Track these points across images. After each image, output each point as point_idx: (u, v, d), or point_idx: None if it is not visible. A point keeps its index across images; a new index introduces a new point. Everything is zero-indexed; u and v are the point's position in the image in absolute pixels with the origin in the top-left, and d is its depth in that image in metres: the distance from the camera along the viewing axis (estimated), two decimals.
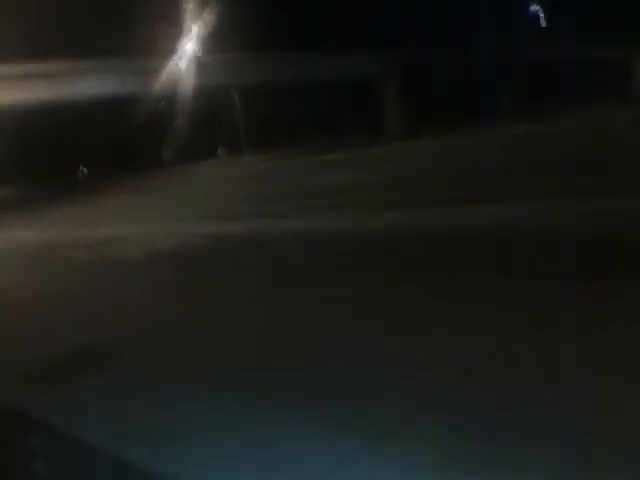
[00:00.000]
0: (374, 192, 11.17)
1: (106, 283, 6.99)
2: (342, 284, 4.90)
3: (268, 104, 43.16)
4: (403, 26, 37.24)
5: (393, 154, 21.78)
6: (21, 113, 36.44)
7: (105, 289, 6.66)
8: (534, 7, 43.87)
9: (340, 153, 27.24)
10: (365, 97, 44.10)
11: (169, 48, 34.29)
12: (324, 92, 43.48)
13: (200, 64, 34.78)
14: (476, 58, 40.80)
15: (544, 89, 37.82)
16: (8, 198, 41.18)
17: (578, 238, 5.07)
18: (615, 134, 14.84)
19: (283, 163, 28.78)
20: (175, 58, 34.74)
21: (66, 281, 7.55)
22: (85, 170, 54.54)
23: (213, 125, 44.28)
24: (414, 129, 33.49)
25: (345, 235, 7.49)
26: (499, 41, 39.48)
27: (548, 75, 39.67)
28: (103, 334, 4.69)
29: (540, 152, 12.96)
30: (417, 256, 5.53)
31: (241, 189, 19.62)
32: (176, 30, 33.97)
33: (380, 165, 17.87)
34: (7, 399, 3.61)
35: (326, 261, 6.09)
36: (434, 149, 20.38)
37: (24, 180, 48.40)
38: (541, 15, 44.25)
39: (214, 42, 34.08)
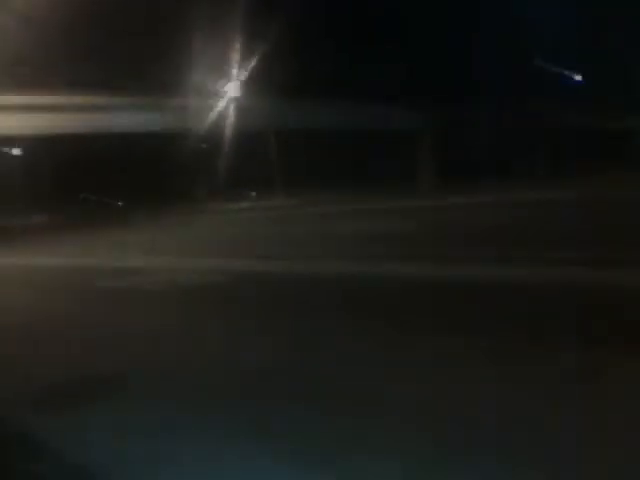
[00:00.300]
0: (392, 243, 11.21)
1: (126, 312, 6.97)
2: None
3: (304, 150, 43.79)
4: (442, 83, 37.71)
5: (420, 209, 21.77)
6: (63, 143, 37.46)
7: (123, 317, 6.63)
8: (576, 77, 44.06)
9: (370, 203, 27.30)
10: (399, 150, 44.45)
11: (214, 90, 35.24)
12: (359, 142, 43.99)
13: (241, 106, 35.58)
14: (511, 121, 41.01)
15: (578, 155, 37.73)
16: (42, 225, 42.02)
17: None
18: None
19: (313, 209, 28.92)
20: (219, 100, 35.66)
21: (89, 308, 7.54)
22: (118, 202, 55.55)
23: (248, 167, 44.94)
24: (445, 186, 33.49)
25: (350, 280, 7.76)
26: (536, 105, 39.69)
27: (580, 141, 39.60)
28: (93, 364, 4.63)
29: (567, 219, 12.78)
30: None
31: (267, 231, 19.82)
32: (220, 71, 34.94)
33: (403, 219, 17.88)
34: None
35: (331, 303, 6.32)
36: (461, 208, 20.31)
37: (60, 209, 49.38)
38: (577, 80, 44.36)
39: (256, 85, 34.92)
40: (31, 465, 2.96)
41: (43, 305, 8.17)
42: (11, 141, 39.96)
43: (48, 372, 4.54)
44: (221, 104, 35.86)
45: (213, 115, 35.57)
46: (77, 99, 31.76)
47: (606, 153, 35.89)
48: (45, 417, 3.56)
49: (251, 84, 35.53)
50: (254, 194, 48.44)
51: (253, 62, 34.09)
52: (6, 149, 43.56)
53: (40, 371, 4.60)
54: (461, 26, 38.79)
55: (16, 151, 43.84)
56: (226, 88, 36.06)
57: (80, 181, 48.65)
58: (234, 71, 35.29)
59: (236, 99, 36.11)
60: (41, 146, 38.59)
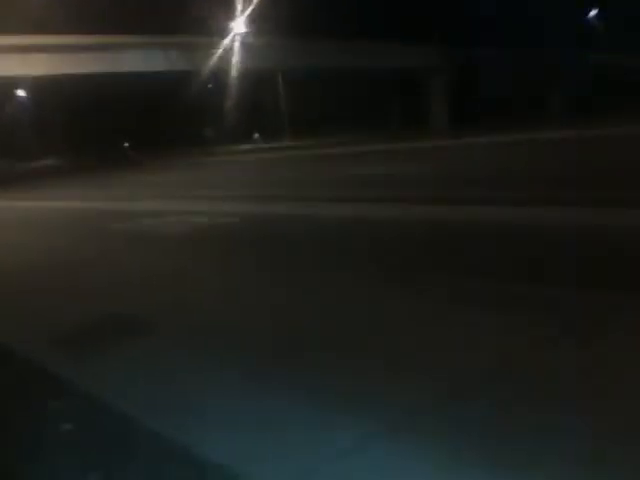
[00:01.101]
0: (401, 186, 11.10)
1: (135, 255, 7.05)
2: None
3: (313, 90, 43.13)
4: (458, 21, 36.65)
5: (432, 150, 21.49)
6: (69, 85, 37.05)
7: (132, 260, 6.70)
8: (592, 11, 42.65)
9: (379, 145, 27.01)
10: (413, 90, 43.68)
11: (219, 28, 34.44)
12: (371, 81, 43.25)
13: (248, 45, 34.86)
14: (528, 59, 40.04)
15: (597, 93, 36.89)
16: (52, 168, 42.15)
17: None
18: None
19: (320, 151, 28.71)
20: (224, 38, 34.91)
21: (104, 250, 7.63)
22: (129, 144, 55.44)
23: (255, 107, 44.42)
24: (459, 126, 33.02)
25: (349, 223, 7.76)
26: (553, 43, 38.65)
27: (602, 79, 38.66)
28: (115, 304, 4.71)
29: (579, 159, 12.61)
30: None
31: (276, 173, 19.81)
32: (227, 10, 34.09)
33: (415, 160, 17.68)
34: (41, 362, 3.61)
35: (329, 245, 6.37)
36: (476, 148, 20.01)
37: (70, 151, 49.39)
38: (596, 19, 43.03)
39: (263, 24, 34.10)
40: (56, 402, 3.00)
41: (59, 247, 8.26)
42: (18, 84, 39.59)
43: (68, 313, 4.63)
44: (227, 43, 35.14)
45: (219, 54, 34.91)
46: (80, 39, 31.26)
47: (626, 90, 35.02)
48: (67, 357, 3.63)
49: (259, 22, 34.69)
50: (257, 136, 48.12)
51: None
52: (17, 91, 43.29)
53: (60, 312, 4.69)
54: None
55: (26, 93, 43.55)
56: (233, 26, 35.24)
57: (91, 124, 48.47)
58: (241, 8, 34.43)
59: (243, 37, 35.33)
60: (51, 88, 38.21)
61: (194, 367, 3.20)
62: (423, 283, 4.38)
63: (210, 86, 39.68)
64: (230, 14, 34.69)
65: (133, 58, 33.16)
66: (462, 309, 3.66)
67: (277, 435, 2.41)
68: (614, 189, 7.55)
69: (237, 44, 35.21)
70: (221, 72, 35.78)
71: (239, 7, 34.33)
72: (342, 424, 2.41)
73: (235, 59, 35.13)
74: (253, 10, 34.24)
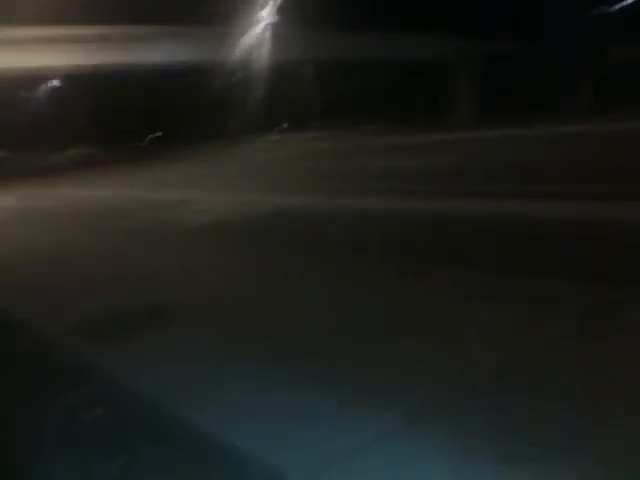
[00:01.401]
0: (424, 179, 11.22)
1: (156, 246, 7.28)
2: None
3: (341, 82, 43.12)
4: (485, 14, 36.28)
5: (457, 143, 21.43)
6: (99, 76, 37.53)
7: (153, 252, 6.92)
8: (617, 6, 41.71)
9: (404, 137, 26.97)
10: (439, 83, 43.42)
11: (247, 18, 34.55)
12: (398, 73, 43.08)
13: (276, 36, 34.94)
14: (555, 54, 39.52)
15: (623, 90, 36.29)
16: (77, 157, 42.82)
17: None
18: None
19: (347, 143, 28.73)
20: (252, 29, 35.01)
21: (137, 240, 7.90)
22: (153, 135, 55.89)
23: (283, 99, 44.50)
24: (485, 119, 32.79)
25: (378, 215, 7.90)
26: (580, 39, 38.15)
27: (628, 76, 37.97)
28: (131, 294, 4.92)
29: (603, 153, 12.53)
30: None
31: (292, 166, 19.93)
32: (254, 1, 34.20)
33: (440, 154, 17.68)
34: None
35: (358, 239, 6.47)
36: (501, 141, 19.92)
37: (96, 142, 50.03)
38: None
39: (291, 15, 34.15)
40: (78, 388, 3.12)
41: (92, 236, 8.57)
42: (47, 75, 40.23)
43: (101, 301, 4.85)
44: (256, 33, 35.21)
45: (248, 44, 35.03)
46: (108, 30, 31.62)
47: None
48: (94, 345, 3.83)
49: (287, 12, 34.73)
50: (285, 125, 48.12)
51: None
52: (49, 82, 44.08)
53: (90, 301, 4.91)
54: None
55: (52, 85, 44.30)
56: (262, 15, 35.28)
57: (117, 115, 49.01)
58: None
59: (272, 28, 35.37)
60: (81, 79, 38.75)
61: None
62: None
63: (237, 77, 39.88)
64: (258, 5, 34.82)
65: (161, 49, 33.46)
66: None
67: None
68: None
69: (266, 34, 35.31)
70: (249, 63, 35.95)
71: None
72: None
73: (264, 50, 35.25)
74: (280, 1, 34.34)
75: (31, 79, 39.17)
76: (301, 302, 4.31)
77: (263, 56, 35.38)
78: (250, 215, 9.10)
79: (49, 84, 45.01)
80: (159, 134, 55.14)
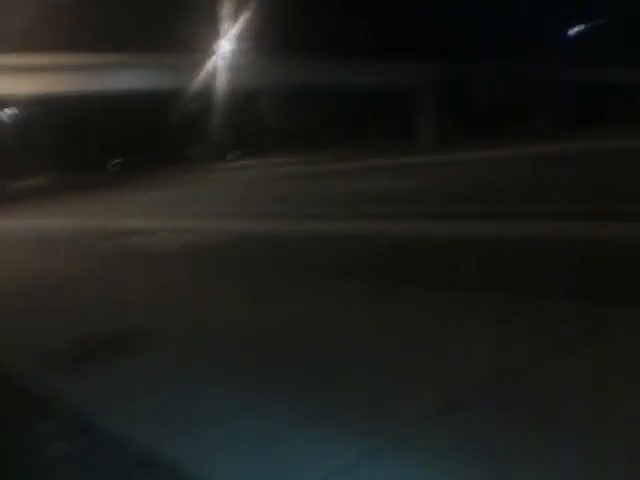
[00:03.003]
0: (382, 202, 11.26)
1: (124, 273, 7.06)
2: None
3: (298, 108, 43.45)
4: (442, 38, 37.14)
5: (418, 166, 21.70)
6: (57, 104, 37.13)
7: (122, 278, 6.72)
8: (577, 29, 43.30)
9: (364, 162, 27.18)
10: (399, 107, 44.08)
11: (205, 47, 34.71)
12: (357, 99, 43.63)
13: (236, 64, 35.13)
14: (513, 76, 40.60)
15: (581, 110, 37.47)
16: (40, 187, 42.06)
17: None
18: None
19: (305, 168, 28.88)
20: (211, 57, 35.17)
21: (89, 269, 7.63)
22: (114, 162, 55.43)
23: (241, 125, 44.63)
24: (445, 143, 33.32)
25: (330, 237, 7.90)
26: (538, 60, 39.29)
27: (586, 96, 39.27)
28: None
29: (564, 172, 12.84)
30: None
31: (256, 191, 19.92)
32: (213, 30, 34.38)
33: (399, 176, 17.86)
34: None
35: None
36: (461, 164, 20.23)
37: (56, 170, 49.27)
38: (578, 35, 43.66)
39: (250, 44, 34.43)
40: (43, 422, 2.98)
41: (47, 267, 8.26)
42: (6, 103, 39.60)
43: (60, 332, 4.62)
44: (214, 62, 35.41)
45: (206, 73, 35.16)
46: (70, 59, 31.40)
47: (609, 106, 35.59)
48: (58, 374, 3.63)
49: (245, 40, 35.01)
50: (239, 152, 48.33)
51: (246, 19, 33.53)
52: (5, 110, 43.36)
53: (53, 331, 4.69)
54: None
55: (11, 112, 43.62)
56: (220, 44, 35.53)
57: (77, 143, 48.46)
58: (227, 27, 34.72)
59: (232, 55, 35.60)
60: (37, 108, 38.32)
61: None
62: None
63: (197, 104, 39.94)
64: (217, 34, 35.00)
65: (121, 77, 33.33)
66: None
67: None
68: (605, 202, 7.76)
69: (223, 63, 35.47)
70: (208, 90, 36.03)
71: (226, 27, 34.65)
72: None
73: (221, 77, 35.39)
74: (239, 29, 34.56)
75: None
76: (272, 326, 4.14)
77: (223, 83, 35.55)
78: (213, 242, 8.91)
79: (8, 112, 44.30)
80: (119, 161, 54.71)
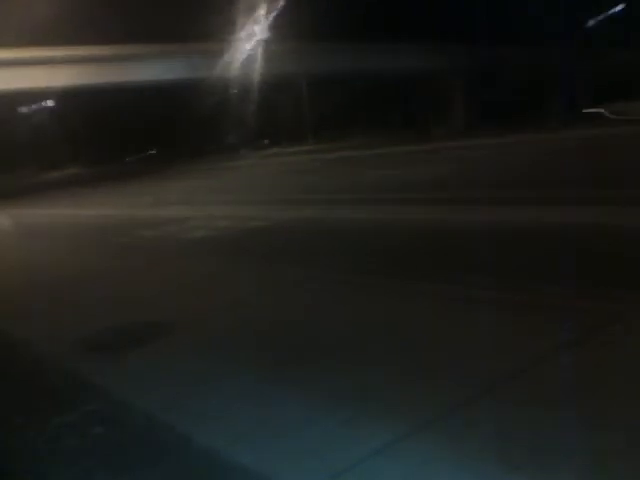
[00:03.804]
0: (413, 189, 11.24)
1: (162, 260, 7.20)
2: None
3: (334, 95, 43.34)
4: (472, 23, 36.60)
5: (449, 152, 21.49)
6: (92, 95, 37.66)
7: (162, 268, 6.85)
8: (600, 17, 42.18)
9: (398, 147, 27.04)
10: (430, 92, 43.66)
11: (236, 35, 34.79)
12: (390, 84, 43.34)
13: (268, 51, 35.14)
14: (544, 62, 39.84)
15: (612, 95, 36.62)
16: (76, 176, 42.81)
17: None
18: None
19: (344, 154, 28.78)
20: (244, 45, 35.22)
21: (129, 257, 7.81)
22: (148, 153, 56.08)
23: (276, 113, 44.72)
24: (477, 128, 32.97)
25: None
26: (567, 46, 38.53)
27: (616, 81, 38.29)
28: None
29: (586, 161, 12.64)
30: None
31: (295, 178, 19.94)
32: (248, 16, 34.43)
33: (433, 163, 17.77)
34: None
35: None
36: (492, 150, 20.00)
37: (91, 160, 50.07)
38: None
39: (283, 30, 34.37)
40: (82, 407, 3.04)
41: (87, 256, 8.47)
42: (43, 95, 40.35)
43: (98, 318, 4.77)
44: (249, 49, 35.43)
45: (242, 60, 35.22)
46: (102, 50, 31.82)
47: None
48: (95, 361, 3.75)
49: (279, 27, 34.95)
50: (267, 142, 48.33)
51: (280, 5, 33.51)
52: (44, 102, 44.20)
53: (90, 317, 4.84)
54: None
55: (53, 104, 44.46)
56: (254, 31, 35.51)
57: (111, 134, 49.17)
58: (262, 13, 34.72)
59: (264, 43, 35.59)
60: (75, 99, 38.94)
61: None
62: None
63: (233, 92, 40.09)
64: (251, 20, 35.05)
65: (155, 67, 33.63)
66: None
67: None
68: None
69: (259, 49, 35.51)
70: (243, 78, 36.11)
71: (260, 12, 34.68)
72: None
73: (257, 65, 35.44)
74: (274, 15, 34.56)
75: (28, 99, 39.29)
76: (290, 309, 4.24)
77: (256, 71, 35.58)
78: (251, 229, 9.03)
79: (45, 104, 45.16)
80: (154, 151, 55.32)
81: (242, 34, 35.22)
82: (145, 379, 3.38)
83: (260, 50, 35.34)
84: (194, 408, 2.91)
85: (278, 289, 5.07)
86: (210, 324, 4.22)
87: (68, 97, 38.33)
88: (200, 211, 12.47)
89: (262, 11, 34.55)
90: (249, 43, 35.45)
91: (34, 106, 45.45)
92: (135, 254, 8.04)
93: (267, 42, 35.44)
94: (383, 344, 3.40)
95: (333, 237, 7.38)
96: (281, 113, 45.36)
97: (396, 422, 2.47)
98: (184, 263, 6.95)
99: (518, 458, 2.13)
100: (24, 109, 46.14)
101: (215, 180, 25.44)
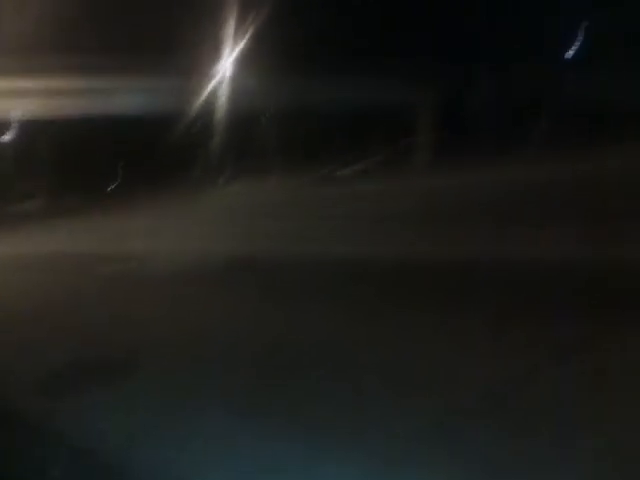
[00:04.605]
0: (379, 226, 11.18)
1: (123, 297, 7.07)
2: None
3: (298, 128, 43.72)
4: (439, 55, 37.50)
5: (413, 185, 21.63)
6: (54, 127, 37.31)
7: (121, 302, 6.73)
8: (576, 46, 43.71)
9: (361, 182, 27.19)
10: (397, 124, 44.37)
11: (204, 69, 34.96)
12: (356, 117, 43.93)
13: (234, 86, 35.36)
14: (509, 92, 40.96)
15: (578, 128, 37.80)
16: (36, 210, 42.05)
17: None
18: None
19: (305, 189, 28.87)
20: (210, 79, 35.39)
21: (86, 293, 7.65)
22: (113, 185, 55.57)
23: (241, 146, 44.88)
24: (444, 158, 33.53)
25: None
26: (533, 75, 39.69)
27: (583, 114, 39.60)
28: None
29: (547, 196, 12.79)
30: None
31: (260, 213, 19.79)
32: (212, 52, 34.67)
33: (397, 198, 17.90)
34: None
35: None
36: (455, 185, 20.17)
37: (54, 193, 49.35)
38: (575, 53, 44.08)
39: (249, 65, 34.67)
40: (35, 448, 2.99)
41: (42, 292, 8.26)
42: (3, 126, 39.74)
43: (55, 356, 4.64)
44: (213, 84, 35.64)
45: (205, 96, 35.38)
46: (67, 82, 31.59)
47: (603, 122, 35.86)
48: (51, 400, 3.64)
49: (245, 63, 35.30)
50: (231, 175, 48.17)
51: (246, 41, 33.86)
52: (9, 132, 43.43)
53: (46, 356, 4.71)
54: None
55: (8, 137, 43.73)
56: (220, 67, 35.80)
57: (75, 165, 48.66)
58: (228, 49, 35.00)
59: (230, 78, 35.86)
60: (33, 132, 38.47)
61: None
62: None
63: (197, 127, 40.13)
64: (217, 56, 35.31)
65: (118, 101, 33.49)
66: None
67: None
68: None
69: (223, 85, 35.72)
70: (209, 113, 36.21)
71: (227, 49, 34.96)
72: None
73: (221, 100, 35.60)
74: (241, 52, 34.88)
75: None
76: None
77: (222, 106, 35.68)
78: (216, 266, 8.93)
79: (7, 135, 44.40)
80: (117, 184, 54.86)
81: (210, 70, 35.41)
82: None
83: (225, 85, 35.55)
84: None
85: None
86: None
87: (34, 129, 37.81)
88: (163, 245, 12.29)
89: (229, 47, 34.86)
90: (216, 78, 35.67)
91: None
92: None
93: (232, 78, 35.69)
94: None
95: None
96: (247, 146, 45.60)
97: None
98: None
99: None
100: None
101: (177, 215, 25.13)
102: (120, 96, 32.53)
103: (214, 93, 34.71)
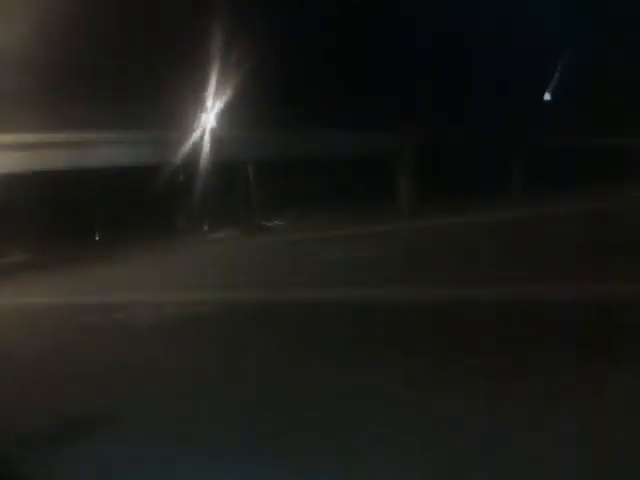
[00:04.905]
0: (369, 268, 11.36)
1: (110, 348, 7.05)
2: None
3: (281, 180, 44.11)
4: (418, 105, 38.43)
5: (399, 233, 21.96)
6: (38, 181, 37.36)
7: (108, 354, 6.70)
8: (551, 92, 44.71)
9: (351, 229, 27.49)
10: (378, 175, 44.87)
11: (187, 122, 35.39)
12: (338, 169, 44.40)
13: (216, 138, 35.78)
14: (487, 139, 41.79)
15: (552, 172, 38.52)
16: (21, 263, 41.64)
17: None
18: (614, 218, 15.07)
19: (292, 237, 29.08)
20: (193, 132, 35.82)
21: (73, 345, 7.60)
22: (98, 237, 55.31)
23: (226, 198, 45.05)
24: (426, 208, 33.88)
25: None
26: (510, 123, 40.68)
27: (557, 159, 40.39)
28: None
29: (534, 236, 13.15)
30: None
31: (248, 260, 19.95)
32: (195, 105, 35.17)
33: (382, 243, 18.13)
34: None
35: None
36: (438, 229, 20.54)
37: (38, 246, 48.98)
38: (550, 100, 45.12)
39: (231, 117, 35.22)
40: None
41: (28, 345, 8.19)
42: None
43: (41, 410, 4.59)
44: (198, 136, 36.05)
45: (190, 147, 35.72)
46: (53, 136, 31.79)
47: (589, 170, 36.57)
48: (39, 453, 3.62)
49: (227, 116, 35.81)
50: (208, 226, 48.20)
51: (228, 94, 34.45)
52: None
53: (33, 409, 4.66)
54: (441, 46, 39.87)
55: None
56: (203, 119, 36.27)
57: (60, 219, 48.46)
58: (210, 102, 35.55)
59: (212, 130, 36.30)
60: (19, 185, 38.50)
61: None
62: None
63: (180, 178, 40.37)
64: (200, 108, 35.79)
65: (103, 154, 33.72)
66: None
67: None
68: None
69: (206, 137, 36.11)
70: (191, 165, 36.49)
71: (208, 102, 35.49)
72: None
73: (204, 152, 35.94)
74: (222, 105, 35.43)
75: None
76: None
77: (203, 158, 36.07)
78: (202, 315, 8.94)
79: None
80: (103, 235, 54.65)
81: (191, 123, 35.88)
82: None
83: (208, 137, 36.01)
84: None
85: None
86: None
87: (11, 184, 37.84)
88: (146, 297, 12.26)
89: (210, 101, 35.44)
90: (197, 131, 36.14)
91: None
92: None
93: (215, 130, 36.18)
94: None
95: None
96: (227, 199, 45.81)
97: None
98: None
99: None
100: None
101: (161, 265, 25.11)
102: (104, 149, 32.87)
103: (197, 144, 35.12)
